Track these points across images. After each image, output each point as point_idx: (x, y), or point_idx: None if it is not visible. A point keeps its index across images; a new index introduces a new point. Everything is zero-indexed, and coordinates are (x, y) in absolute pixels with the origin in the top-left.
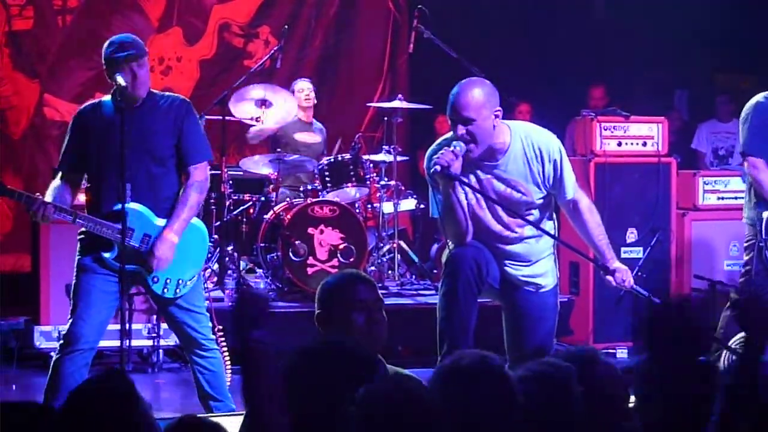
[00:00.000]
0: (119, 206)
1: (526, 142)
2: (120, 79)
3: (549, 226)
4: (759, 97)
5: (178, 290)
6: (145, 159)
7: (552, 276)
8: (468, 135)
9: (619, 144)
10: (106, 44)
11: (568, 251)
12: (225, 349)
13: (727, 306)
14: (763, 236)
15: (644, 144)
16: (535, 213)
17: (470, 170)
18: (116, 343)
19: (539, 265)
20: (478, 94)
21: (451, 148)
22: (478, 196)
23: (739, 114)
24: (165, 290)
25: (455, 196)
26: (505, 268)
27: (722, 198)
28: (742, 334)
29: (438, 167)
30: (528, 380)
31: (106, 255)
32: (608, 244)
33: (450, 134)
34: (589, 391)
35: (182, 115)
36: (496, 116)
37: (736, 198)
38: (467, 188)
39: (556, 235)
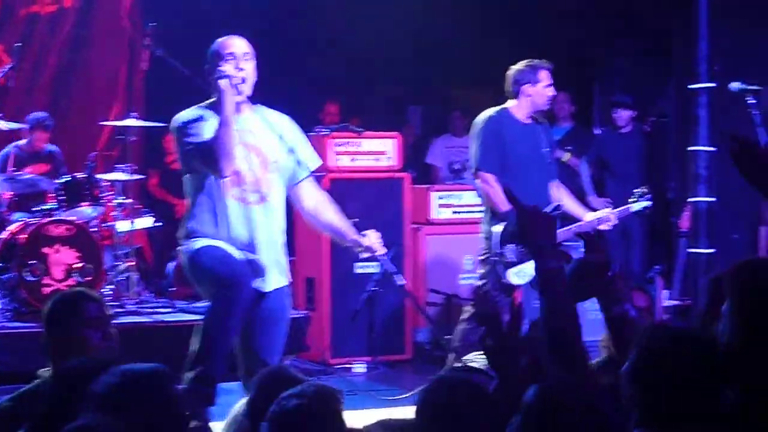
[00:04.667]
0: None
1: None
2: None
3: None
4: (490, 111)
5: None
6: None
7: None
8: (246, 72)
9: (353, 160)
10: None
11: (305, 268)
12: None
13: (462, 319)
14: (496, 250)
15: (377, 159)
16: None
17: None
18: None
19: (279, 249)
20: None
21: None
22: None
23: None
24: None
25: (229, 110)
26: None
27: (456, 212)
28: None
29: (225, 71)
30: None
31: None
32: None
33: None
34: None
35: None
36: None
37: (469, 212)
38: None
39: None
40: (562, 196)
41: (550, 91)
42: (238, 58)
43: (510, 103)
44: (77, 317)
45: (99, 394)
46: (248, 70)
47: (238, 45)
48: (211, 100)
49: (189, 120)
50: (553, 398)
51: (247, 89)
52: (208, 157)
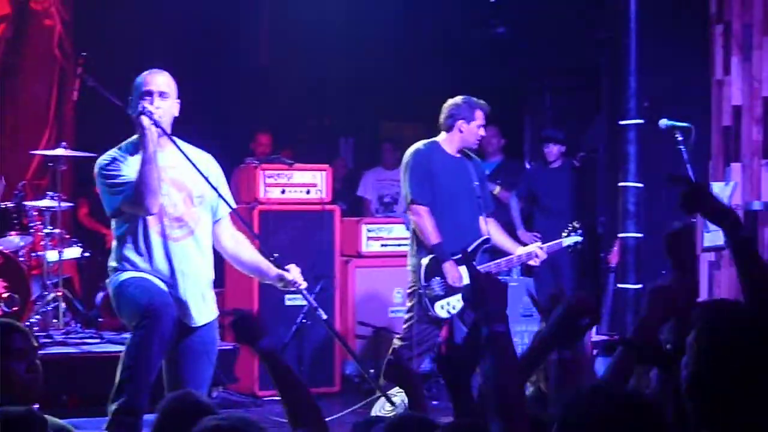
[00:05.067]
0: None
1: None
2: None
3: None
4: (419, 144)
5: None
6: None
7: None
8: (161, 111)
9: (283, 192)
10: None
11: (234, 300)
12: None
13: (390, 353)
14: (423, 283)
15: (308, 192)
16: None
17: None
18: None
19: (206, 283)
20: (170, 77)
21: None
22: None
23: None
24: None
25: (152, 148)
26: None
27: (386, 245)
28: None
29: (145, 109)
30: None
31: None
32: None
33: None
34: None
35: None
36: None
37: (399, 245)
38: None
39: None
40: (492, 230)
41: (482, 132)
42: (154, 96)
43: (441, 137)
44: (2, 348)
45: None
46: (163, 108)
47: (156, 82)
48: (132, 138)
49: (109, 163)
50: None
51: (164, 126)
52: (134, 197)
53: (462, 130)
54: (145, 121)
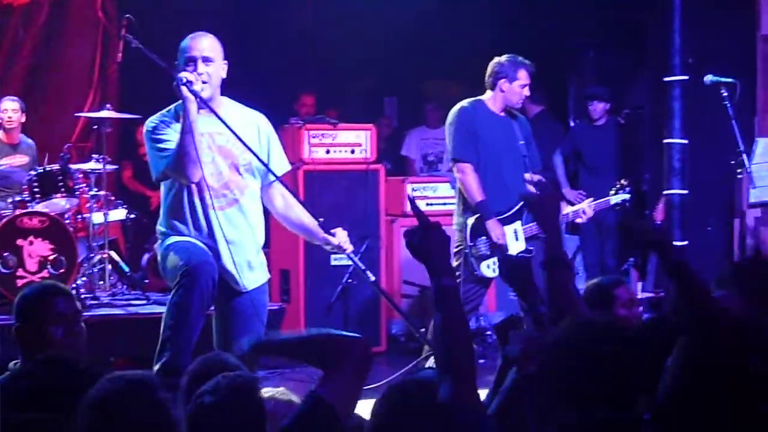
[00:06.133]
0: None
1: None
2: None
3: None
4: (464, 102)
5: None
6: None
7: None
8: (206, 75)
9: (328, 152)
10: None
11: (280, 260)
12: None
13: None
14: (469, 243)
15: (352, 151)
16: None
17: None
18: None
19: (252, 250)
20: (215, 40)
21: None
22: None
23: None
24: None
25: (192, 118)
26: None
27: (431, 204)
28: None
29: (184, 79)
30: None
31: None
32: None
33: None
34: None
35: None
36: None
37: (444, 204)
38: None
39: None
40: None
41: (526, 91)
42: (197, 62)
43: (486, 95)
44: (41, 312)
45: (89, 402)
46: (209, 72)
47: (200, 47)
48: (181, 102)
49: (156, 127)
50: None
51: (209, 92)
52: (175, 165)
53: (503, 89)
54: (184, 91)
